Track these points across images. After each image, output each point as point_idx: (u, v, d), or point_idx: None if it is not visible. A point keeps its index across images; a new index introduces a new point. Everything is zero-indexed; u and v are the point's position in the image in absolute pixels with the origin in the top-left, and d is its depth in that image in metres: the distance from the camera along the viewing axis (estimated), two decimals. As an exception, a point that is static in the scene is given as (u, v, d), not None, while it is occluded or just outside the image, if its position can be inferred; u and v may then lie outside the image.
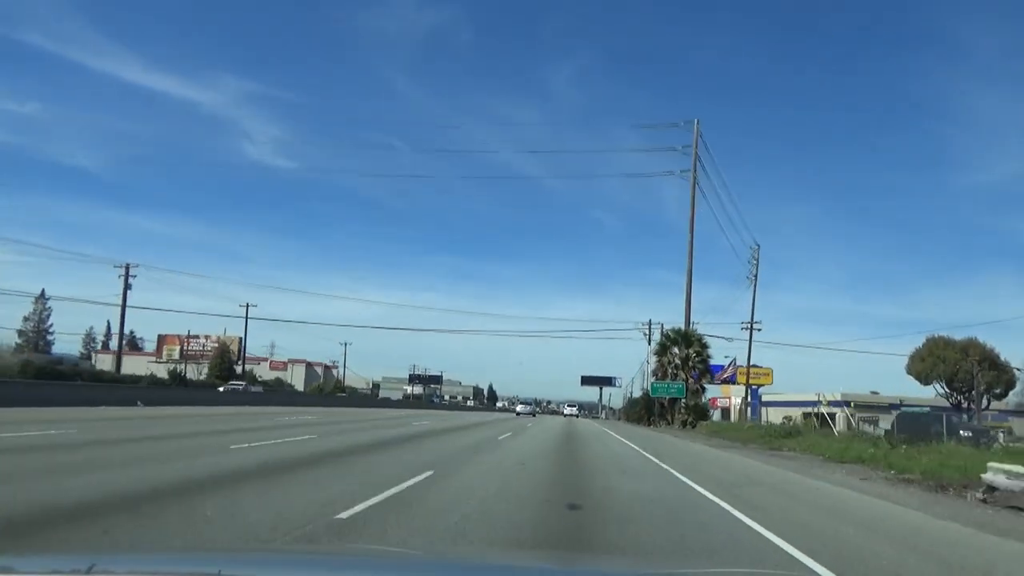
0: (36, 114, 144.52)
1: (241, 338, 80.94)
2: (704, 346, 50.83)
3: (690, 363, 49.54)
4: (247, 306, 72.50)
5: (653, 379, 54.23)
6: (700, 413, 49.91)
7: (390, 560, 2.87)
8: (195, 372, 73.02)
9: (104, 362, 79.89)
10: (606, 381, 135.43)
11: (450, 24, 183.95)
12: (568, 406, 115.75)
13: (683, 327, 48.40)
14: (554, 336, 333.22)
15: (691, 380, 50.29)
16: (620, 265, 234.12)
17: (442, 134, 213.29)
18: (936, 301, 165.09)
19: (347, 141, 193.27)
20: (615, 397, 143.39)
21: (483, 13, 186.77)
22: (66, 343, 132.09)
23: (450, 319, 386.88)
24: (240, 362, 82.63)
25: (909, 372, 54.82)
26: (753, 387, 58.20)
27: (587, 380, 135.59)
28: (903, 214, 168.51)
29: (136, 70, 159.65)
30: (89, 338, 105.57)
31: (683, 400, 49.46)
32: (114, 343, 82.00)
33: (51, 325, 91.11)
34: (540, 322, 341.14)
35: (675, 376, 50.73)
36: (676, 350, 51.24)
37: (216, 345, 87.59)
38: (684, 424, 46.16)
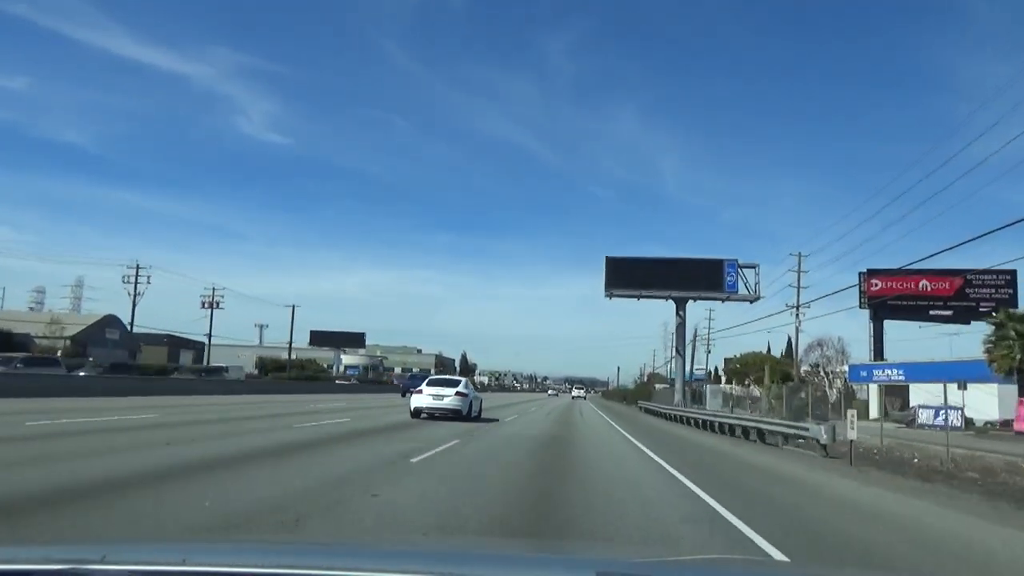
0: (25, 89, 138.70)
1: None
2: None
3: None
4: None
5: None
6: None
7: (381, 549, 2.88)
8: None
9: None
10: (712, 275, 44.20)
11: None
12: (576, 387, 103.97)
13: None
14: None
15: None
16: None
17: (438, 107, 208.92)
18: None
19: (342, 116, 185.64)
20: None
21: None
22: None
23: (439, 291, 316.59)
24: None
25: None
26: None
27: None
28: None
29: (127, 43, 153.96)
30: None
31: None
32: None
33: None
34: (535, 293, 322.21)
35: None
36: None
37: None
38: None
